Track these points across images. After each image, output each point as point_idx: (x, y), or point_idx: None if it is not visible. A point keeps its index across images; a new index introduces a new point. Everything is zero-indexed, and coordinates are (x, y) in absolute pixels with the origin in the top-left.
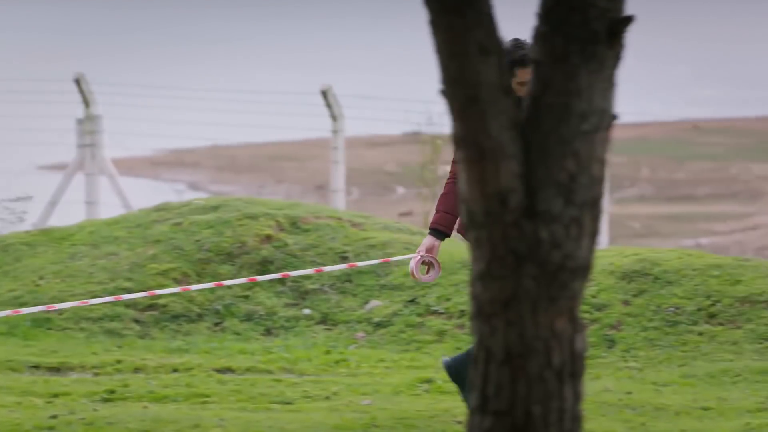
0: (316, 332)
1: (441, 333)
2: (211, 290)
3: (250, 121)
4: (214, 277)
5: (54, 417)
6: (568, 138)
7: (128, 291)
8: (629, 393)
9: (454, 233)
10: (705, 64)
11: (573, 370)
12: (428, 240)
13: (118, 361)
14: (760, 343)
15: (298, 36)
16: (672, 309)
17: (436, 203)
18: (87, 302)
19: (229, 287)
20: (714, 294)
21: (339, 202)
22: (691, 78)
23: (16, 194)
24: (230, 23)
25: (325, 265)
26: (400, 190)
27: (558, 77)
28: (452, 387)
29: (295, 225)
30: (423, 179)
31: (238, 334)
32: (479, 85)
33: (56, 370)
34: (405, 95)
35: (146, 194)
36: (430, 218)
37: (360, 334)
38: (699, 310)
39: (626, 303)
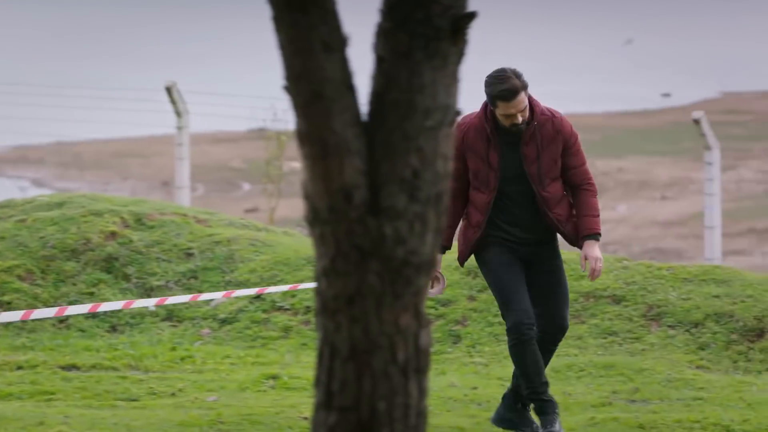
0: (162, 329)
1: (286, 329)
2: (56, 287)
3: (95, 118)
4: (59, 274)
5: None
6: (412, 134)
7: None
8: (475, 388)
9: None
10: (553, 59)
11: (418, 365)
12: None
13: None
14: (604, 338)
15: (143, 30)
16: None
17: None
18: None
19: (74, 284)
20: None
21: (184, 198)
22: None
23: None
24: (71, 15)
25: (170, 261)
26: (246, 186)
27: (402, 74)
28: (298, 383)
29: (140, 221)
30: (268, 175)
31: (83, 331)
32: (323, 81)
33: None
34: (250, 92)
35: None
36: (275, 214)
37: (205, 330)
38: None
39: (471, 298)
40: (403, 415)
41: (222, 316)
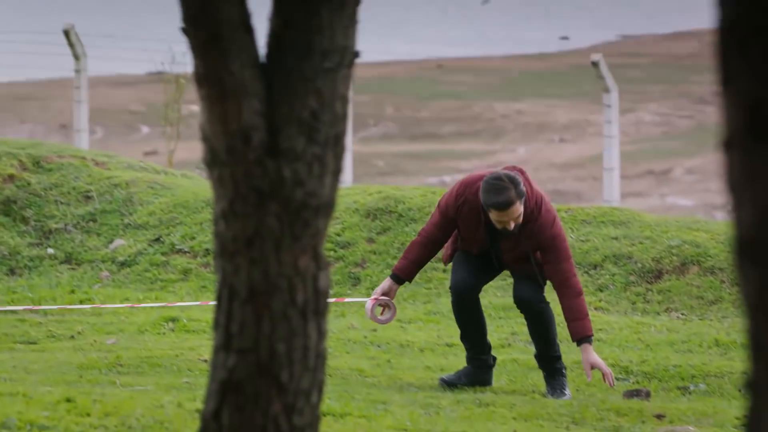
0: (61, 272)
1: (186, 272)
2: None
3: None
4: None
5: None
6: (310, 76)
7: None
8: (374, 330)
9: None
10: (449, 3)
11: (317, 307)
12: (387, 283)
13: None
14: (503, 280)
15: None
16: None
17: (406, 250)
18: None
19: None
20: None
21: (82, 141)
22: (435, 18)
23: None
24: None
25: (68, 204)
26: (145, 129)
27: (299, 14)
28: (197, 325)
29: (38, 164)
30: (167, 118)
31: None
32: (220, 23)
33: None
34: (148, 35)
35: None
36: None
37: (104, 273)
38: None
39: (371, 241)
40: (302, 356)
41: (121, 258)
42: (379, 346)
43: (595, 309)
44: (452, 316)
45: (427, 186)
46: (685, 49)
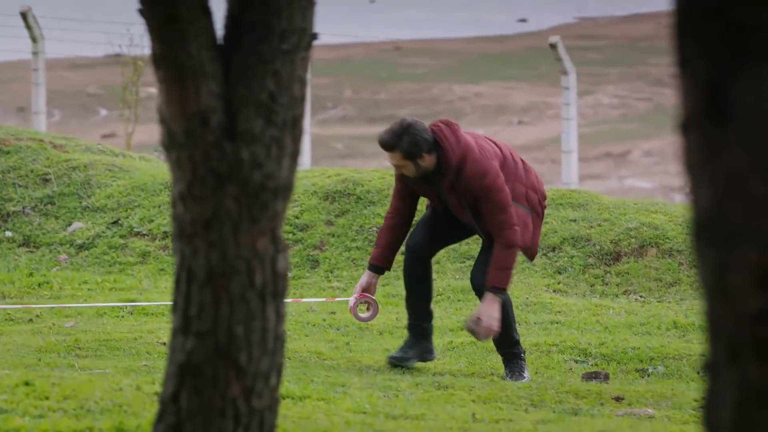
0: (19, 255)
1: (144, 254)
2: None
3: None
4: None
5: None
6: (269, 57)
7: None
8: (333, 313)
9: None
10: None
11: (275, 290)
12: (365, 277)
13: None
14: (462, 262)
15: None
16: (374, 229)
17: (377, 238)
18: None
19: None
20: None
21: (40, 124)
22: (393, 0)
23: None
24: None
25: (26, 187)
26: (103, 112)
27: None
28: (156, 308)
29: None
30: (125, 101)
31: None
32: (178, 3)
33: None
34: (106, 17)
35: None
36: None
37: (63, 256)
38: None
39: (329, 223)
40: (260, 339)
41: (79, 241)
42: (338, 329)
43: (554, 291)
44: None
45: (386, 169)
46: (642, 32)
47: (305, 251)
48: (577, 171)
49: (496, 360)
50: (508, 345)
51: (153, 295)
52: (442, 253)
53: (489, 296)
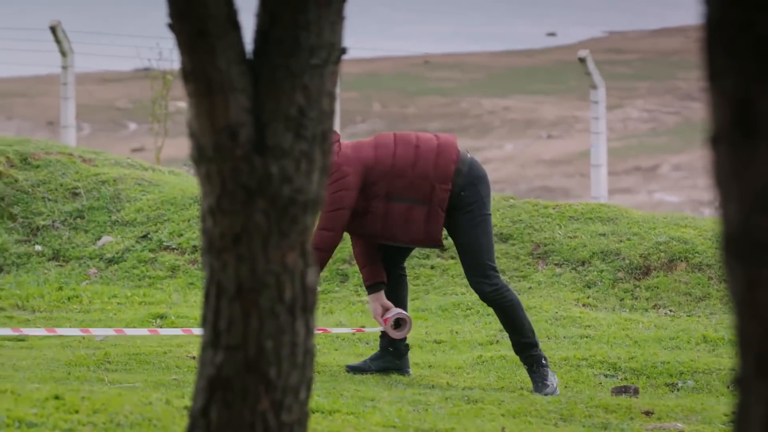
0: (48, 268)
1: (174, 268)
2: None
3: None
4: None
5: None
6: (297, 72)
7: None
8: (362, 327)
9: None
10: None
11: (305, 304)
12: (376, 299)
13: None
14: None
15: None
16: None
17: (356, 261)
18: None
19: None
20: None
21: (70, 138)
22: (421, 14)
23: None
24: None
25: (55, 201)
26: (132, 126)
27: (286, 10)
28: (185, 322)
29: (25, 161)
30: (154, 115)
31: None
32: (207, 18)
33: None
34: (136, 31)
35: None
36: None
37: (92, 270)
38: None
39: None
40: (290, 353)
41: (109, 255)
42: (367, 343)
43: (583, 305)
44: (440, 313)
45: None
46: (671, 45)
47: (334, 265)
48: (607, 185)
49: (526, 374)
50: (523, 347)
51: (182, 309)
52: None
53: None
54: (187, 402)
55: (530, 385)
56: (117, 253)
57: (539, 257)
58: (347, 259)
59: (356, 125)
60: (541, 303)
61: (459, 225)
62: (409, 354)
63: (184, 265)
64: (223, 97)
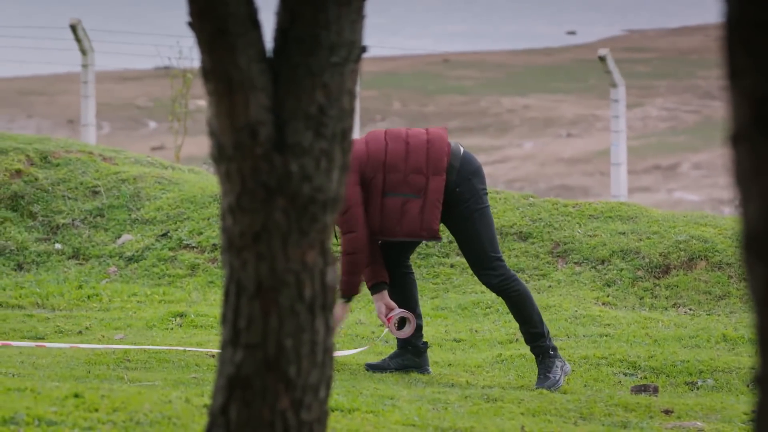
0: (68, 267)
1: (193, 267)
2: None
3: None
4: None
5: None
6: (317, 70)
7: None
8: (382, 325)
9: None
10: None
11: (324, 302)
12: (381, 299)
13: None
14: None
15: None
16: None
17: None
18: None
19: None
20: None
21: (90, 136)
22: (440, 13)
23: None
24: None
25: (75, 199)
26: (152, 124)
27: (307, 9)
28: (205, 321)
29: (45, 159)
30: (174, 113)
31: None
32: (227, 17)
33: None
34: (155, 30)
35: None
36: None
37: (112, 268)
38: (450, 242)
39: None
40: (310, 351)
41: (128, 254)
42: (386, 342)
43: (603, 304)
44: (459, 311)
45: None
46: (691, 44)
47: None
48: (626, 184)
49: None
50: (532, 337)
51: (202, 308)
52: None
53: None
54: (207, 400)
55: None
56: (137, 251)
57: (559, 256)
58: None
59: (376, 123)
60: (561, 302)
61: (458, 221)
62: (429, 352)
63: (203, 263)
64: (243, 96)
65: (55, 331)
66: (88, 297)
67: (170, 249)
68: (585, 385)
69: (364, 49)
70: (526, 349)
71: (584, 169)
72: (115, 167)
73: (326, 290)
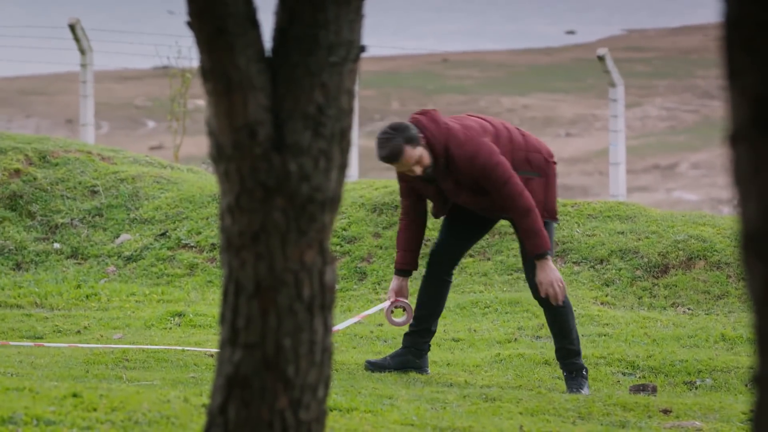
0: (67, 266)
1: (192, 266)
2: None
3: None
4: None
5: None
6: (316, 70)
7: None
8: (380, 325)
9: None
10: None
11: (323, 302)
12: (395, 282)
13: None
14: (510, 275)
15: None
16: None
17: (396, 241)
18: None
19: None
20: None
21: (88, 136)
22: (440, 12)
23: None
24: None
25: (74, 199)
26: (151, 124)
27: (305, 8)
28: (203, 320)
29: (44, 159)
30: (173, 113)
31: None
32: (226, 16)
33: None
34: (154, 29)
35: None
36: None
37: (110, 268)
38: None
39: (377, 235)
40: (308, 351)
41: (127, 253)
42: (385, 341)
43: (601, 303)
44: (458, 311)
45: None
46: (690, 44)
47: (353, 263)
48: (625, 183)
49: (544, 372)
50: (566, 354)
51: (200, 307)
52: (489, 265)
53: (537, 264)
54: (205, 400)
55: (548, 383)
56: (135, 251)
57: (558, 255)
58: (365, 257)
59: (375, 123)
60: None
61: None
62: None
63: (202, 263)
64: (242, 96)
65: (54, 331)
66: (87, 296)
67: (169, 248)
68: None
69: (362, 49)
70: (525, 349)
71: (583, 168)
72: (114, 167)
73: (325, 290)
